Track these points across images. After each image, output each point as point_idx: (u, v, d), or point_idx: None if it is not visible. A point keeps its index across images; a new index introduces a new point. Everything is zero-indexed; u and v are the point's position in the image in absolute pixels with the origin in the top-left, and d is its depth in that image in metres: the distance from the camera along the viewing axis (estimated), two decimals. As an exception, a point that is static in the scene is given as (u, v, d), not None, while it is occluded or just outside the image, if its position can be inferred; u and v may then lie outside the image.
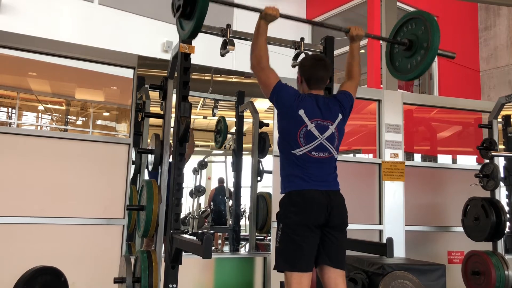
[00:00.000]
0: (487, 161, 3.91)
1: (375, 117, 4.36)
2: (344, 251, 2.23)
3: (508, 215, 3.86)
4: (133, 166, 3.52)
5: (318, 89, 2.31)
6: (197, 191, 6.43)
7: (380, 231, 4.16)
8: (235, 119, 4.77)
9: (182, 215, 5.43)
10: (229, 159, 5.25)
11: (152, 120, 3.73)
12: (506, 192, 4.15)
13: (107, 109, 7.28)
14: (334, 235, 2.16)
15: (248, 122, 4.59)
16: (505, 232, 3.77)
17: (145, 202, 2.61)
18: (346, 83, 2.47)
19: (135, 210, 3.07)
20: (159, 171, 2.83)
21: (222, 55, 2.67)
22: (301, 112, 2.18)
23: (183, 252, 2.38)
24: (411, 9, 7.72)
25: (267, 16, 2.30)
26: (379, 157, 4.27)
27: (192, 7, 1.91)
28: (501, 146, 4.22)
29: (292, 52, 2.93)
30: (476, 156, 5.35)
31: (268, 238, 4.18)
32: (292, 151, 2.18)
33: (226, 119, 5.01)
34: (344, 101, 2.34)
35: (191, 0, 1.91)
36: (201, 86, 4.73)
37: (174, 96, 2.68)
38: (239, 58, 6.16)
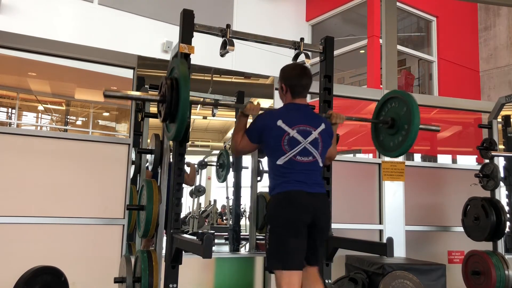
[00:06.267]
0: (487, 161, 3.92)
1: (375, 117, 4.35)
2: (323, 250, 2.41)
3: (508, 215, 3.86)
4: (133, 166, 3.52)
5: (302, 97, 2.35)
6: (197, 191, 6.43)
7: (380, 231, 4.16)
8: (235, 119, 4.77)
9: (182, 215, 5.40)
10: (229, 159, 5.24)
11: (152, 121, 3.73)
12: (506, 192, 4.15)
13: (107, 109, 7.28)
14: (318, 238, 2.22)
15: (248, 122, 4.58)
16: (505, 232, 3.77)
17: (145, 202, 2.61)
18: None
19: (135, 210, 3.07)
20: (159, 171, 2.83)
21: (222, 55, 2.67)
22: (280, 122, 2.21)
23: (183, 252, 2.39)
24: (411, 9, 7.73)
25: (246, 111, 2.36)
26: (379, 157, 4.27)
27: (175, 112, 2.07)
28: (501, 146, 4.22)
29: (292, 52, 2.93)
30: (476, 156, 5.35)
31: (268, 238, 4.18)
32: (277, 162, 2.22)
33: (226, 119, 5.00)
34: (328, 125, 2.37)
35: (173, 107, 2.07)
36: (201, 86, 4.73)
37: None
38: (239, 58, 6.21)
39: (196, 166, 4.69)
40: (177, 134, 2.09)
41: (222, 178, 4.94)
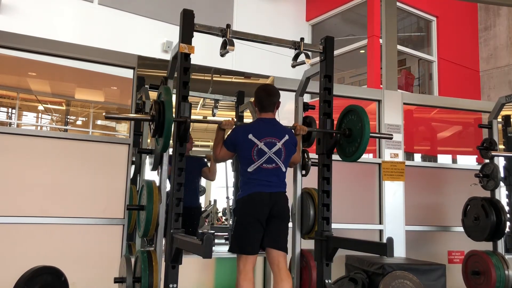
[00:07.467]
0: (487, 161, 3.91)
1: (375, 117, 4.36)
2: (285, 237, 2.75)
3: (508, 215, 3.86)
4: (133, 166, 3.52)
5: (270, 111, 2.80)
6: (197, 191, 6.41)
7: (380, 231, 4.16)
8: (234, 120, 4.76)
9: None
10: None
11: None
12: (506, 192, 4.15)
13: (107, 109, 7.28)
14: (275, 223, 2.68)
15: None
16: (505, 232, 3.76)
17: (145, 202, 2.61)
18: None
19: (135, 210, 3.07)
20: (159, 170, 2.83)
21: (222, 55, 2.68)
22: (251, 136, 2.68)
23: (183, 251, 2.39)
24: (411, 9, 7.73)
25: (223, 126, 2.72)
26: (379, 157, 4.27)
27: (161, 130, 2.38)
28: (501, 146, 4.22)
29: (292, 52, 2.94)
30: (476, 156, 5.36)
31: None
32: (248, 170, 2.68)
33: (226, 119, 4.98)
34: (291, 136, 2.79)
35: (160, 124, 2.38)
36: (201, 86, 4.73)
37: (174, 96, 2.68)
38: (239, 58, 6.21)
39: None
40: (164, 146, 2.39)
41: None
